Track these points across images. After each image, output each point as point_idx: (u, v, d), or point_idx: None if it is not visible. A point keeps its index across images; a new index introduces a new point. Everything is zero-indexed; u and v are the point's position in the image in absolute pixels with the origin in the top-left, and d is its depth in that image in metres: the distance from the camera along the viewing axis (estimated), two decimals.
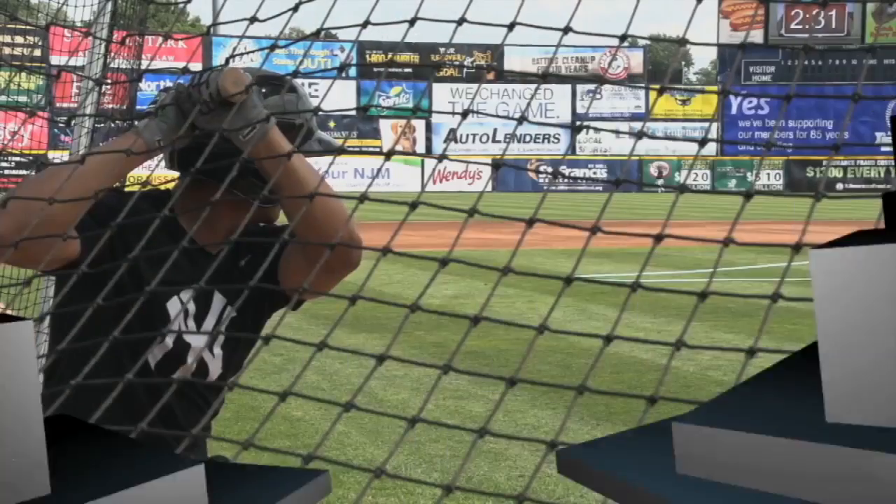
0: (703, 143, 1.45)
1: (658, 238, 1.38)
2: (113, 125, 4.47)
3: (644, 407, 1.35)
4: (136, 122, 2.36)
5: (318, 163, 2.73)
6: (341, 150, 2.64)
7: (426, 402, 1.43)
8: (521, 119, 1.56)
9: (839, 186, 58.08)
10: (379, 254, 1.52)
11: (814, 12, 58.49)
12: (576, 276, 1.43)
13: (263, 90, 2.65)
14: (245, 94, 2.27)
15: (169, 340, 2.66)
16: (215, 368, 2.77)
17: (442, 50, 57.50)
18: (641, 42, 61.96)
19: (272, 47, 1.83)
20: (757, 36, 59.57)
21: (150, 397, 2.54)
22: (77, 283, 2.51)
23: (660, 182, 60.12)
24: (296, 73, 1.90)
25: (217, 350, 2.75)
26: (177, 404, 2.64)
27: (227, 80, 2.28)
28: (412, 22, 1.64)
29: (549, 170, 57.62)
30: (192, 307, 2.69)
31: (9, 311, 1.50)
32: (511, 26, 1.57)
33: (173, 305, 2.66)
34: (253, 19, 1.85)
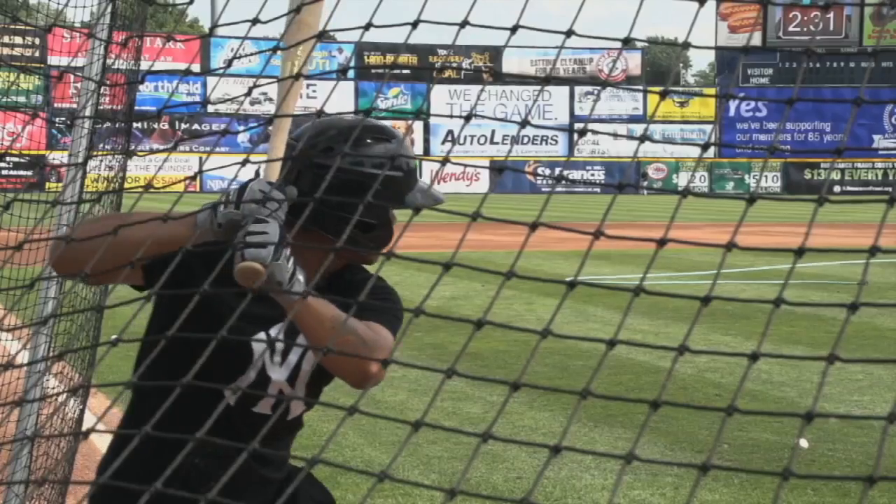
0: (705, 147, 1.45)
1: (661, 242, 1.38)
2: (114, 126, 4.47)
3: (642, 410, 1.35)
4: (206, 209, 2.35)
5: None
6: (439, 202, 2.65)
7: (430, 406, 1.43)
8: (524, 123, 1.56)
9: (837, 189, 58.11)
10: (382, 257, 1.53)
11: (811, 15, 58.54)
12: (578, 280, 1.43)
13: (369, 140, 2.66)
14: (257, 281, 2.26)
15: (252, 374, 2.67)
16: (297, 405, 2.79)
17: (441, 52, 57.50)
18: (639, 44, 61.97)
19: (274, 49, 1.83)
20: (755, 38, 59.58)
21: (228, 432, 2.60)
22: (162, 309, 2.61)
23: (645, 183, 60.06)
24: (297, 76, 1.91)
25: (300, 387, 2.75)
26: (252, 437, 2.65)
27: (239, 277, 2.26)
28: (414, 24, 1.65)
29: (547, 171, 57.61)
30: (279, 343, 2.70)
31: (10, 315, 1.50)
32: (514, 29, 1.58)
33: (256, 337, 2.68)
34: (255, 21, 1.85)
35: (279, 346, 2.70)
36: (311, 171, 2.57)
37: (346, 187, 2.59)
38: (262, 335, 2.70)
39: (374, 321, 2.61)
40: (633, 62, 63.56)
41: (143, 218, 2.32)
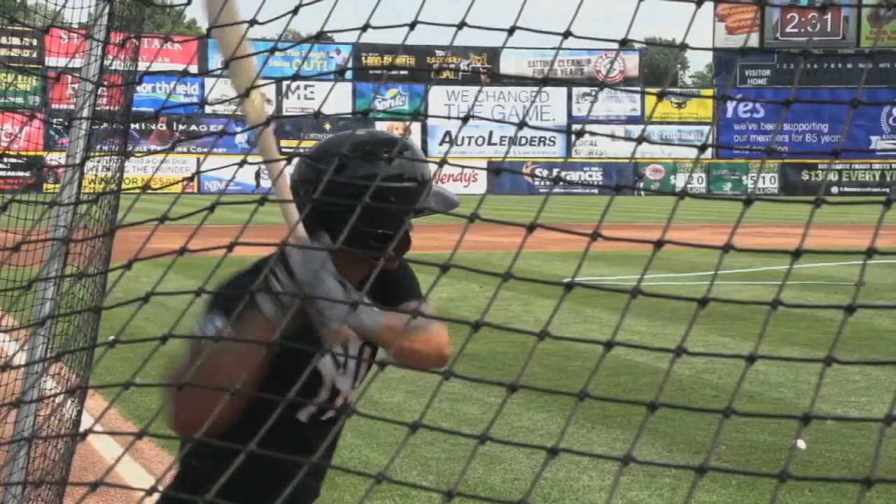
0: (702, 148, 1.45)
1: (659, 244, 1.38)
2: (111, 127, 4.47)
3: (640, 411, 1.35)
4: (256, 299, 2.42)
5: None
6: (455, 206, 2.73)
7: (428, 407, 1.43)
8: (522, 124, 1.56)
9: (834, 190, 58.16)
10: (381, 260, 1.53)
11: (809, 16, 58.57)
12: (575, 281, 1.43)
13: (384, 153, 2.71)
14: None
15: (325, 393, 2.79)
16: (350, 399, 2.94)
17: (439, 53, 57.51)
18: (637, 45, 61.99)
19: (272, 50, 1.83)
20: (753, 39, 59.64)
21: (302, 446, 2.67)
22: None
23: (641, 184, 60.05)
24: (295, 77, 1.91)
25: (359, 386, 2.90)
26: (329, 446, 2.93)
27: (332, 341, 2.39)
28: (412, 25, 1.65)
29: (545, 172, 57.61)
30: (340, 357, 2.83)
31: (8, 316, 1.50)
32: (511, 30, 1.58)
33: (324, 361, 2.78)
34: (253, 21, 1.85)
35: (341, 359, 2.83)
36: (327, 188, 2.61)
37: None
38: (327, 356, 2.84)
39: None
40: (630, 63, 63.60)
41: (233, 364, 2.37)
